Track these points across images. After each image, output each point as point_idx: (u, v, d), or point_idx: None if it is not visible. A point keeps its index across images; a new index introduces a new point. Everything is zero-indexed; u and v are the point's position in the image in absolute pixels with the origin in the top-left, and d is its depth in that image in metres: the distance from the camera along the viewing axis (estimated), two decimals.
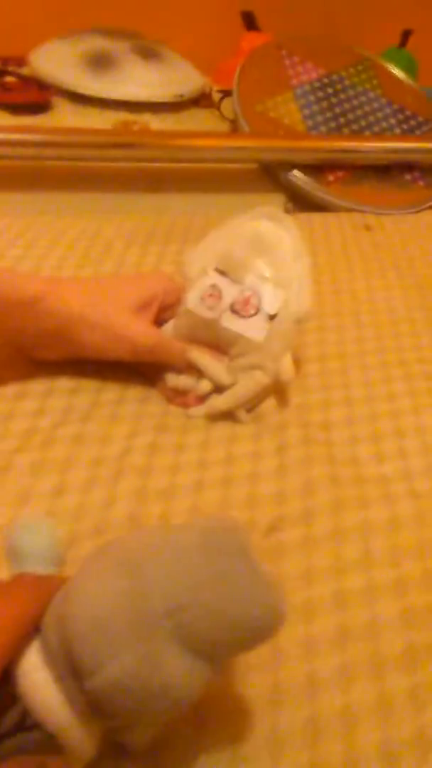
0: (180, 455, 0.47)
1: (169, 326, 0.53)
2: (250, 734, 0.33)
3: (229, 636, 0.26)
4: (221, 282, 0.49)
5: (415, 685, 0.36)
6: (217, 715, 0.33)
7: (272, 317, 0.49)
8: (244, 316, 0.49)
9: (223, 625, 0.25)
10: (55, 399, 0.50)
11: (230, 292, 0.49)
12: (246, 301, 0.49)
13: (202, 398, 0.51)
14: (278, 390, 0.53)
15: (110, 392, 0.51)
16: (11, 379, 0.50)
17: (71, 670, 0.24)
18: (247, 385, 0.50)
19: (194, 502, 0.44)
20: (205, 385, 0.51)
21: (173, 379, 0.51)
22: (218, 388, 0.51)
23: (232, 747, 0.32)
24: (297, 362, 0.57)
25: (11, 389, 0.49)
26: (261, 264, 0.50)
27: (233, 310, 0.49)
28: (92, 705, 0.24)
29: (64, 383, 0.51)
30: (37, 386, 0.50)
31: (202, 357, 0.50)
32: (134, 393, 0.52)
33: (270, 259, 0.50)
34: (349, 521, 0.44)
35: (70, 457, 0.46)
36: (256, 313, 0.49)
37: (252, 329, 0.49)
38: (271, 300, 0.49)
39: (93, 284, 0.50)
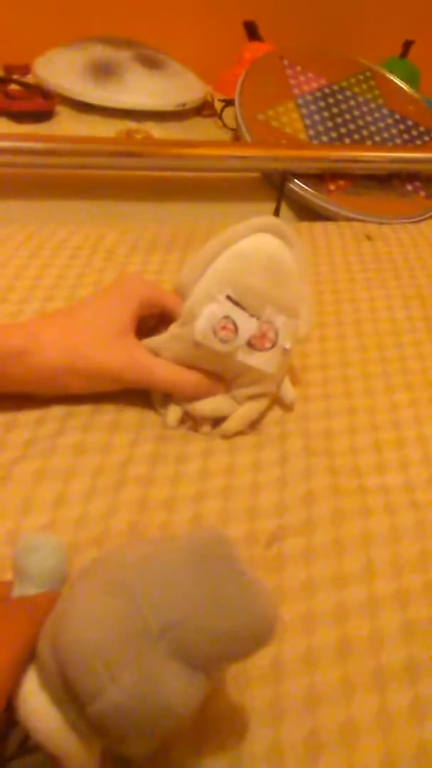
0: (181, 465, 0.47)
1: (154, 341, 0.50)
2: (250, 748, 0.32)
3: (225, 648, 0.26)
4: (236, 314, 0.47)
5: (416, 698, 0.35)
6: (218, 728, 0.33)
7: (288, 350, 0.49)
8: (259, 350, 0.48)
9: (218, 637, 0.26)
10: (55, 409, 0.50)
11: (247, 326, 0.47)
12: (263, 335, 0.48)
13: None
14: (280, 401, 0.54)
15: (105, 415, 0.50)
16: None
17: (70, 695, 0.24)
18: (254, 407, 0.51)
19: (195, 512, 0.44)
20: (206, 428, 0.51)
21: (171, 417, 0.51)
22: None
23: (232, 760, 0.32)
24: (298, 372, 0.58)
25: (11, 400, 0.49)
26: (277, 294, 0.48)
27: (249, 343, 0.48)
28: (94, 727, 0.24)
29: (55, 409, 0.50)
30: (29, 414, 0.49)
31: (204, 406, 0.50)
32: (129, 418, 0.51)
33: (285, 287, 0.49)
34: (350, 532, 0.44)
35: (71, 466, 0.45)
36: (272, 347, 0.48)
37: (267, 363, 0.49)
38: (287, 334, 0.49)
39: (68, 323, 0.48)
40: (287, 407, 0.53)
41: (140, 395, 0.51)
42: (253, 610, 0.26)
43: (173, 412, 0.50)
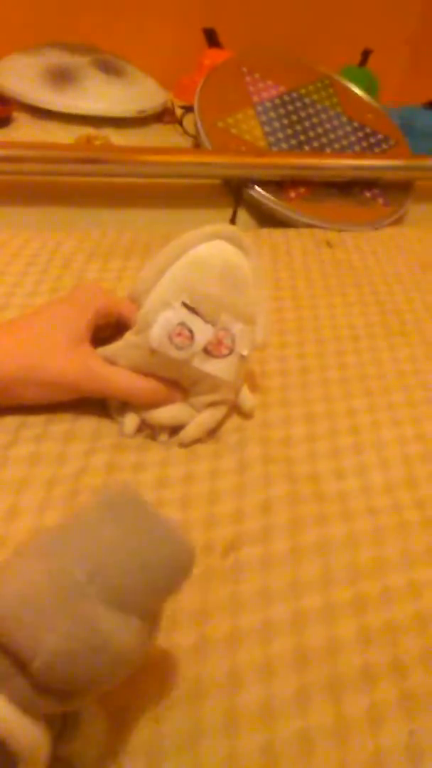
0: (138, 475, 0.47)
1: (110, 349, 0.49)
2: (206, 760, 0.32)
3: (151, 583, 0.27)
4: (191, 320, 0.47)
5: (372, 705, 0.35)
6: (171, 740, 0.32)
7: (244, 357, 0.49)
8: (216, 356, 0.48)
9: (142, 574, 0.27)
10: (8, 419, 0.49)
11: (204, 333, 0.47)
12: (219, 342, 0.48)
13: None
14: (239, 409, 0.53)
15: (64, 410, 0.50)
16: None
17: (11, 661, 0.25)
18: (213, 414, 0.50)
19: None
20: (163, 436, 0.50)
21: (128, 425, 0.50)
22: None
23: None
24: (258, 378, 0.58)
25: None
26: (235, 302, 0.48)
27: (206, 350, 0.47)
28: (40, 687, 0.25)
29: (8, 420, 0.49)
30: None
31: (161, 414, 0.49)
32: (85, 427, 0.50)
33: (240, 294, 0.49)
34: (307, 539, 0.44)
35: (24, 478, 0.45)
36: (229, 354, 0.48)
37: (225, 370, 0.48)
38: (244, 340, 0.49)
39: (22, 331, 0.48)
40: (246, 414, 0.53)
41: (96, 404, 0.51)
42: (168, 541, 0.28)
43: (130, 421, 0.50)
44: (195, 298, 0.47)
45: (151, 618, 0.29)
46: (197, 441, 0.50)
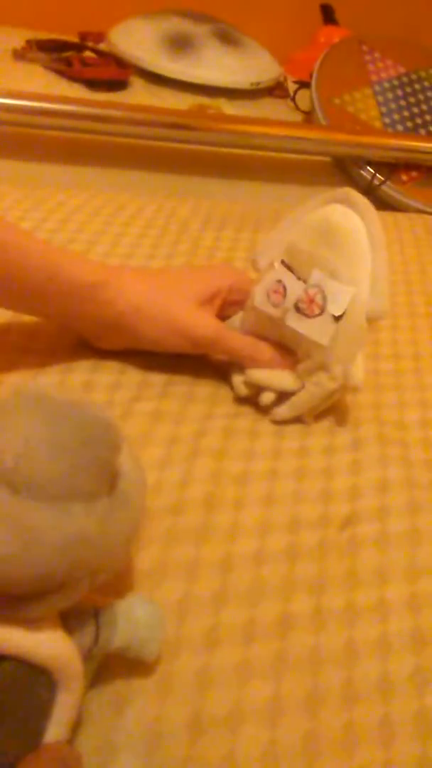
0: (254, 441, 0.47)
1: (235, 320, 0.51)
2: (325, 725, 0.32)
3: (78, 466, 0.26)
4: (286, 277, 0.46)
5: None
6: (289, 703, 0.33)
7: (338, 318, 0.44)
8: (308, 316, 0.45)
9: (67, 459, 0.25)
10: (122, 393, 0.48)
11: (295, 289, 0.45)
12: (311, 300, 0.45)
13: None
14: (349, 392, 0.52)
15: (179, 385, 0.50)
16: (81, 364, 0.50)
17: None
18: (311, 392, 0.47)
19: (268, 490, 0.44)
20: (266, 398, 0.48)
21: (240, 387, 0.49)
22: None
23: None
24: (369, 360, 0.57)
25: (88, 361, 0.49)
26: (328, 258, 0.45)
27: (297, 308, 0.45)
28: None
29: (131, 373, 0.50)
30: (104, 377, 0.49)
31: (258, 374, 0.48)
32: (204, 390, 0.50)
33: (339, 252, 0.45)
34: (424, 524, 0.43)
35: (147, 432, 0.45)
36: (321, 313, 0.45)
37: (317, 331, 0.45)
38: (336, 299, 0.44)
39: (156, 276, 0.49)
40: (351, 389, 0.49)
41: (211, 379, 0.51)
42: (86, 423, 0.26)
43: (239, 382, 0.49)
44: (290, 254, 0.46)
45: (94, 497, 0.27)
46: (293, 421, 0.49)
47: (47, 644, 0.26)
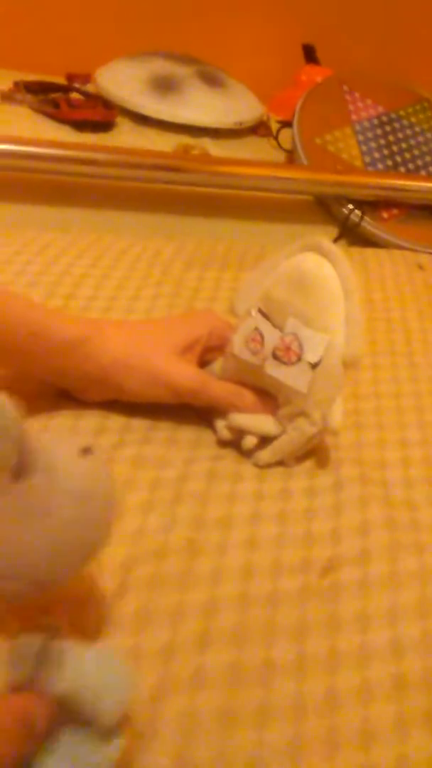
0: (236, 485, 0.47)
1: (215, 366, 0.52)
2: None
3: None
4: (263, 325, 0.47)
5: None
6: (271, 750, 0.33)
7: (315, 365, 0.45)
8: (286, 363, 0.46)
9: None
10: (106, 438, 0.49)
11: (272, 337, 0.46)
12: (287, 348, 0.46)
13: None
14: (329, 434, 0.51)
15: (162, 430, 0.50)
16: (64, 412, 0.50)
17: None
18: (291, 437, 0.48)
19: (251, 534, 0.44)
20: (248, 442, 0.49)
21: (222, 431, 0.50)
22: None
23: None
24: (349, 400, 0.58)
25: (71, 409, 0.50)
26: (301, 306, 0.46)
27: (275, 356, 0.46)
28: None
29: (115, 418, 0.50)
30: (89, 423, 0.49)
31: (241, 419, 0.49)
32: (186, 434, 0.51)
33: (313, 300, 0.46)
34: (404, 566, 0.44)
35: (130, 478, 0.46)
36: (298, 361, 0.46)
37: (295, 378, 0.46)
38: (312, 347, 0.45)
39: (135, 328, 0.50)
40: (331, 432, 0.49)
41: (193, 425, 0.51)
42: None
43: (222, 426, 0.50)
44: (266, 303, 0.48)
45: None
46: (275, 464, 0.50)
47: None
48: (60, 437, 0.31)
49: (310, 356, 0.45)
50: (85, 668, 0.27)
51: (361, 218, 0.92)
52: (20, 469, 0.27)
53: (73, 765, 0.26)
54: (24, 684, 0.26)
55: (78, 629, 0.34)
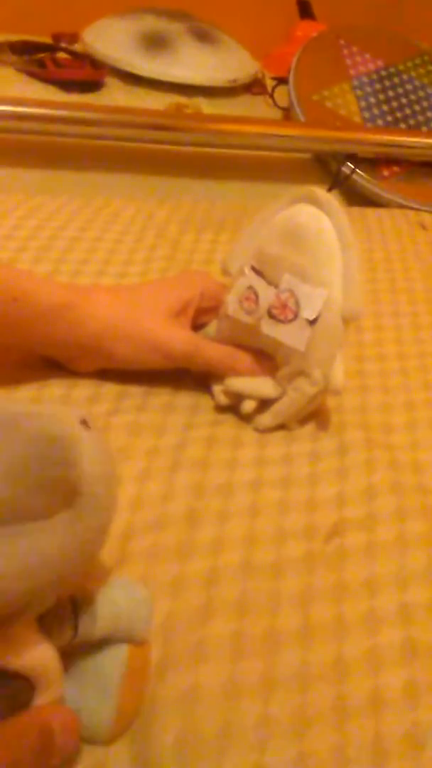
0: (237, 450, 0.46)
1: (210, 329, 0.50)
2: (316, 746, 0.31)
3: (26, 487, 0.23)
4: (257, 283, 0.45)
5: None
6: (279, 726, 0.32)
7: (312, 322, 0.43)
8: (283, 321, 0.44)
9: (12, 477, 0.23)
10: (100, 405, 0.47)
11: (266, 295, 0.44)
12: (283, 305, 0.44)
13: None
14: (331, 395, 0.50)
15: (159, 396, 0.49)
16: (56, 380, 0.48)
17: None
18: (291, 398, 0.46)
19: (253, 501, 0.42)
20: (247, 406, 0.47)
21: (219, 396, 0.48)
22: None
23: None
24: (353, 361, 0.56)
25: (63, 378, 0.48)
26: (297, 261, 0.44)
27: (271, 315, 0.44)
28: None
29: (109, 385, 0.48)
30: (82, 391, 0.48)
31: (238, 382, 0.47)
32: (184, 400, 0.49)
33: (308, 254, 0.44)
34: (412, 530, 0.42)
35: (125, 446, 0.44)
36: (295, 318, 0.44)
37: (292, 336, 0.44)
38: (309, 303, 0.43)
39: (125, 292, 0.48)
40: (333, 393, 0.47)
41: (192, 390, 0.50)
42: (35, 435, 0.23)
43: (219, 391, 0.48)
44: (260, 260, 0.45)
45: (50, 514, 0.24)
46: (276, 428, 0.48)
47: (23, 654, 0.25)
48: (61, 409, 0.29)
49: (308, 313, 0.43)
50: (114, 609, 0.30)
51: (353, 171, 0.89)
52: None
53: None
54: (70, 641, 0.28)
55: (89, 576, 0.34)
